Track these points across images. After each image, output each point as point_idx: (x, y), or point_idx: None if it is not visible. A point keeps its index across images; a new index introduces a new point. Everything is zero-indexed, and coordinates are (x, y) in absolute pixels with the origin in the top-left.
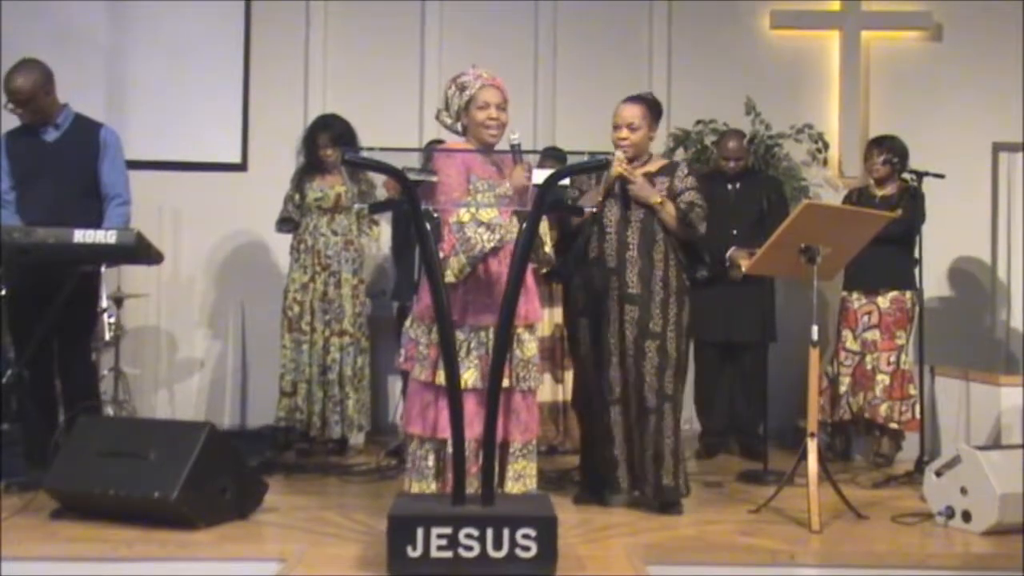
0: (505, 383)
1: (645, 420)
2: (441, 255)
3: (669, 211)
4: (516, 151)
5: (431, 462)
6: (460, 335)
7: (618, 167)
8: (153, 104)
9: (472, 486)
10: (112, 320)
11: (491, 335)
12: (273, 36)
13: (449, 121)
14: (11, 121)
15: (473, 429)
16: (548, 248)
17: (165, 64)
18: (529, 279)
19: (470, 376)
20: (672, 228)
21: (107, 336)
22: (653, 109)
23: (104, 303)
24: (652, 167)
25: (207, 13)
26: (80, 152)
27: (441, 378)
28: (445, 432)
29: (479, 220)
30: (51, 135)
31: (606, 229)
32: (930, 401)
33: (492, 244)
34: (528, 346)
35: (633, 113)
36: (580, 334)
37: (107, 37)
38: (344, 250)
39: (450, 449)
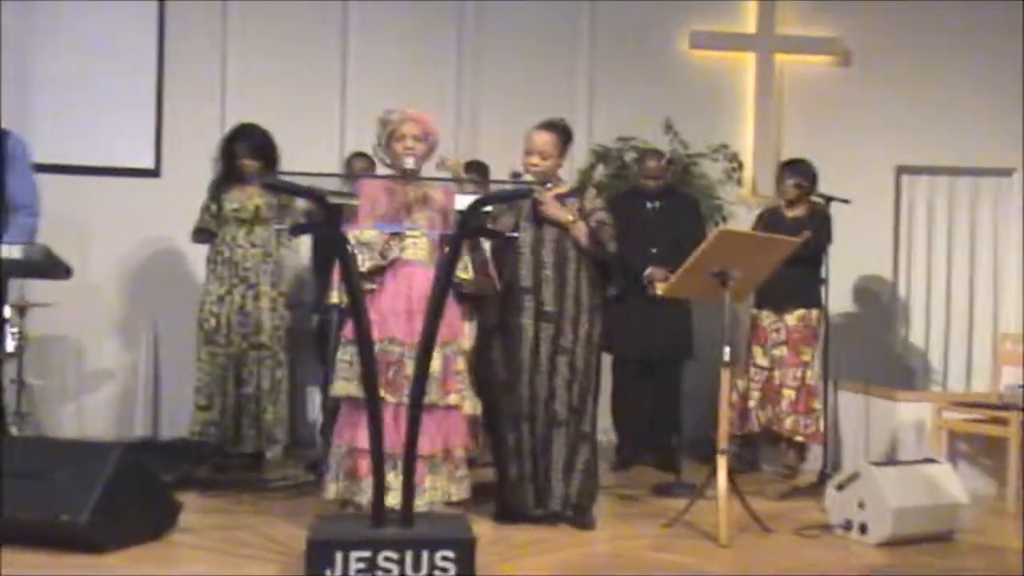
0: (404, 399)
1: (554, 433)
2: (333, 278)
3: (580, 229)
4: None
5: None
6: (352, 350)
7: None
8: (60, 105)
9: (361, 495)
10: (15, 330)
11: (385, 349)
12: (189, 36)
13: (380, 154)
14: None
15: (353, 437)
16: (467, 274)
17: (73, 63)
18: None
19: (346, 385)
20: (584, 246)
21: (9, 347)
22: (563, 136)
23: (6, 312)
24: (562, 189)
25: (119, 11)
26: None
27: (339, 390)
28: (337, 439)
29: (360, 241)
30: None
31: (520, 250)
32: (833, 415)
33: (369, 264)
34: (431, 363)
35: (544, 140)
36: (494, 353)
37: (10, 33)
38: (263, 262)
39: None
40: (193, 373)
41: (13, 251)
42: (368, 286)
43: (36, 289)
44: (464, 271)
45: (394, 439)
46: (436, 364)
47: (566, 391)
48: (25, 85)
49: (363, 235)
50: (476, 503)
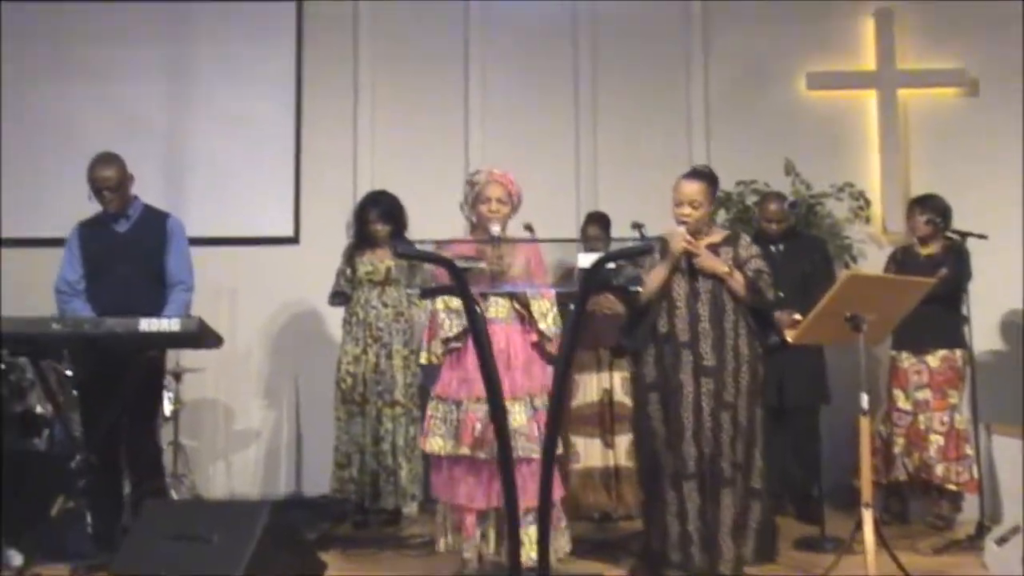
0: (488, 455)
1: (720, 492)
2: (424, 340)
3: (738, 280)
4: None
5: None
6: (443, 407)
7: (681, 244)
8: (209, 184)
9: (468, 549)
10: (171, 394)
11: (465, 407)
12: (323, 114)
13: (466, 213)
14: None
15: (452, 494)
16: (547, 323)
17: (221, 144)
18: (520, 355)
19: (442, 444)
20: (741, 297)
21: (167, 411)
22: (713, 184)
23: (164, 379)
24: (715, 238)
25: (260, 91)
26: (149, 242)
27: (433, 447)
28: (442, 496)
29: (451, 308)
30: (123, 226)
31: (675, 304)
32: (987, 460)
33: (457, 329)
34: (514, 417)
35: (694, 190)
36: (651, 409)
37: (165, 118)
38: (395, 322)
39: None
40: (332, 432)
41: (172, 324)
42: (454, 345)
43: (188, 355)
44: (549, 322)
45: (486, 494)
46: (522, 418)
47: (731, 447)
48: (179, 165)
49: (453, 302)
50: (609, 558)
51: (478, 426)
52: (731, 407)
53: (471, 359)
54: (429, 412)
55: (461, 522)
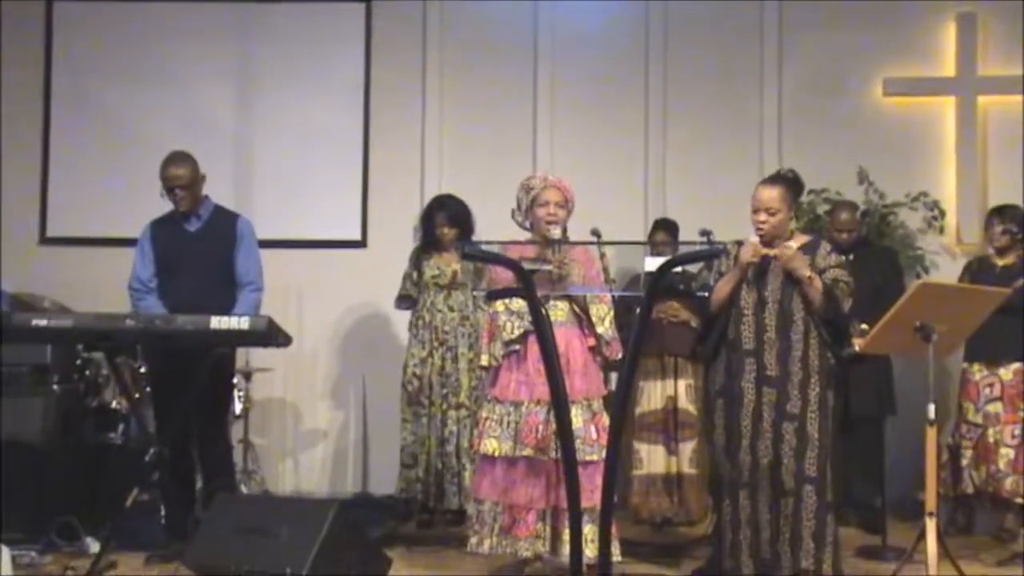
0: (552, 455)
1: (781, 503)
2: (483, 342)
3: (817, 287)
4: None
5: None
6: (500, 409)
7: (748, 253)
8: (278, 186)
9: (513, 547)
10: (241, 393)
11: (525, 409)
12: (391, 119)
13: (519, 219)
14: (146, 212)
15: (508, 495)
16: (604, 327)
17: (289, 148)
18: (579, 359)
19: (498, 445)
20: (817, 305)
21: (237, 409)
22: (792, 189)
23: (234, 378)
24: (794, 245)
25: (328, 95)
26: (219, 242)
27: (490, 448)
28: (493, 496)
29: (511, 309)
30: (194, 225)
31: (743, 312)
32: None
33: (518, 332)
34: (573, 420)
35: (772, 196)
36: (716, 416)
37: (234, 124)
38: (460, 325)
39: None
40: (398, 432)
41: (242, 323)
42: (514, 348)
43: (258, 355)
44: (607, 326)
45: (545, 495)
46: (579, 421)
47: (794, 460)
48: (248, 170)
49: (513, 304)
50: (672, 563)
51: (541, 428)
52: (796, 418)
53: (531, 361)
54: (484, 414)
55: (513, 523)
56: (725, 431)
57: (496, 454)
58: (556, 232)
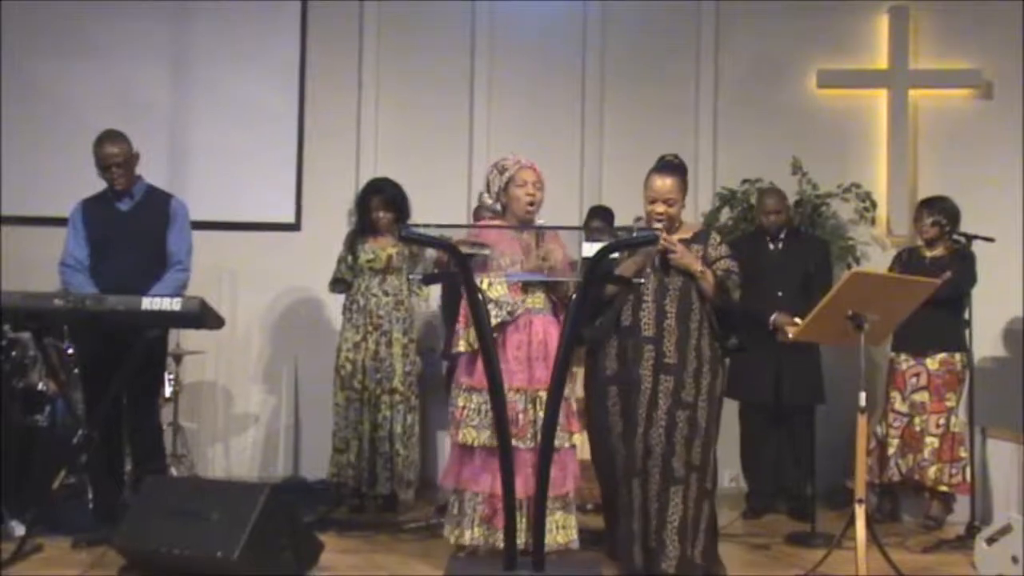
0: (531, 444)
1: (670, 491)
2: (458, 327)
3: (708, 279)
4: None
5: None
6: (477, 398)
7: (662, 245)
8: (211, 167)
9: (495, 538)
10: (171, 376)
11: (510, 399)
12: (327, 101)
13: (490, 201)
14: (77, 190)
15: (488, 485)
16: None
17: (224, 129)
18: (556, 346)
19: (477, 435)
20: (710, 296)
21: (167, 392)
22: (683, 177)
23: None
24: (685, 234)
25: (264, 77)
26: (151, 222)
27: (468, 438)
28: (473, 487)
29: (489, 297)
30: (126, 205)
31: (643, 298)
32: (981, 463)
33: (499, 320)
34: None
35: (668, 187)
36: (609, 402)
37: (169, 101)
38: (395, 310)
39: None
40: (331, 417)
41: (174, 304)
42: (492, 336)
43: (189, 337)
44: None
45: (525, 483)
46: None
47: (685, 448)
48: (183, 149)
49: (492, 291)
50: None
51: (521, 417)
52: (689, 407)
53: (510, 350)
54: (460, 403)
55: (494, 513)
56: (622, 418)
57: (475, 444)
58: (537, 218)
